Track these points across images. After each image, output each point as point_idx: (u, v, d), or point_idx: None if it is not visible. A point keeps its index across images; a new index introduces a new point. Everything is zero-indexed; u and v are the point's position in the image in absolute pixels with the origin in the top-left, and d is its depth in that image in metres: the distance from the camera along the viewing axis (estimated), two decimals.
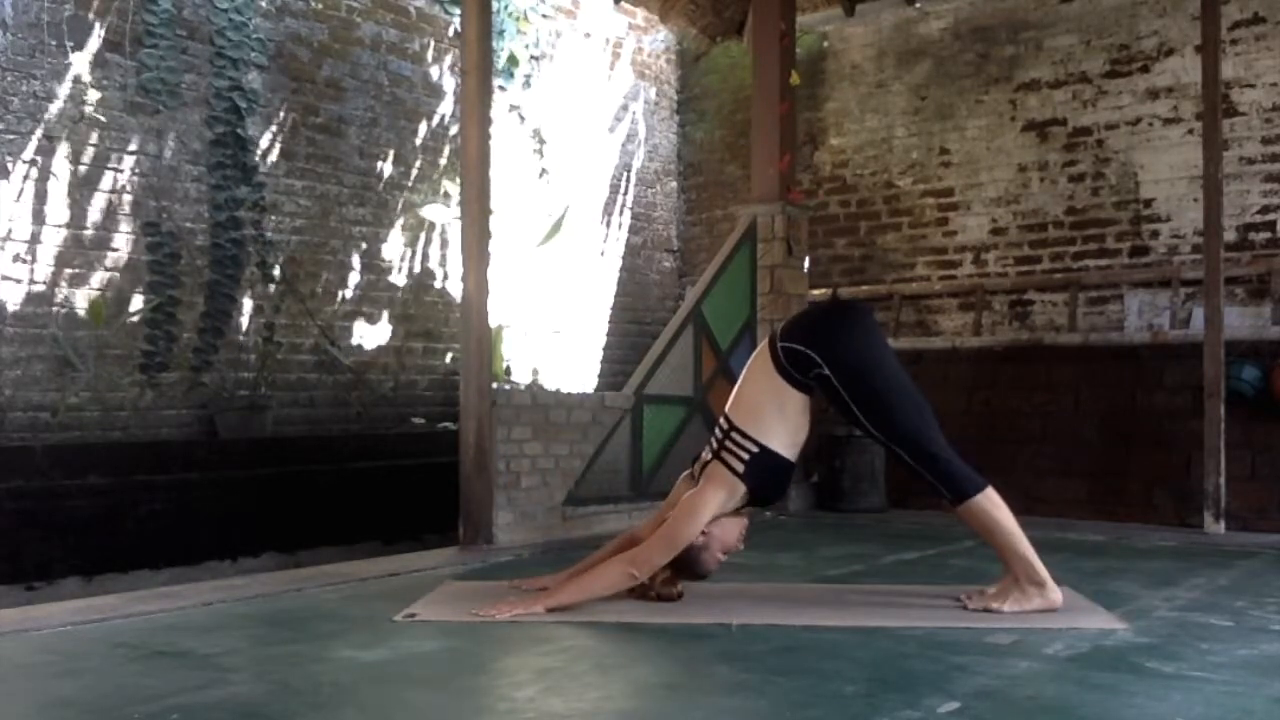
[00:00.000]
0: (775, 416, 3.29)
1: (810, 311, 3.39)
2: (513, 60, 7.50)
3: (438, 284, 7.20)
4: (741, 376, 3.48)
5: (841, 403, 3.32)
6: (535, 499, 4.92)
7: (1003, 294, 7.11)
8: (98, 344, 5.55)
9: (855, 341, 3.30)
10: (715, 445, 3.36)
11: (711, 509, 3.25)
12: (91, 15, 5.55)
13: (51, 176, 5.41)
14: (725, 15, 7.81)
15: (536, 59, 7.73)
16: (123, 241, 5.69)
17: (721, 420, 3.40)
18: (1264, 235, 6.18)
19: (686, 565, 3.30)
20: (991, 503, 3.22)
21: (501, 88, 7.36)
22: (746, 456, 3.26)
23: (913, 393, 3.33)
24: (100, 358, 5.56)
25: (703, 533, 3.27)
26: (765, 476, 3.30)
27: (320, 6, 6.55)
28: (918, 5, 7.50)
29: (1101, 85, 6.79)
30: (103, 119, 5.58)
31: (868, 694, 2.34)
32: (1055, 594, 3.21)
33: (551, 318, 7.78)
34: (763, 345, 3.44)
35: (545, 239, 7.37)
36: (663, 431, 5.63)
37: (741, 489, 3.28)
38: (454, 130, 7.14)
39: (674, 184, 8.94)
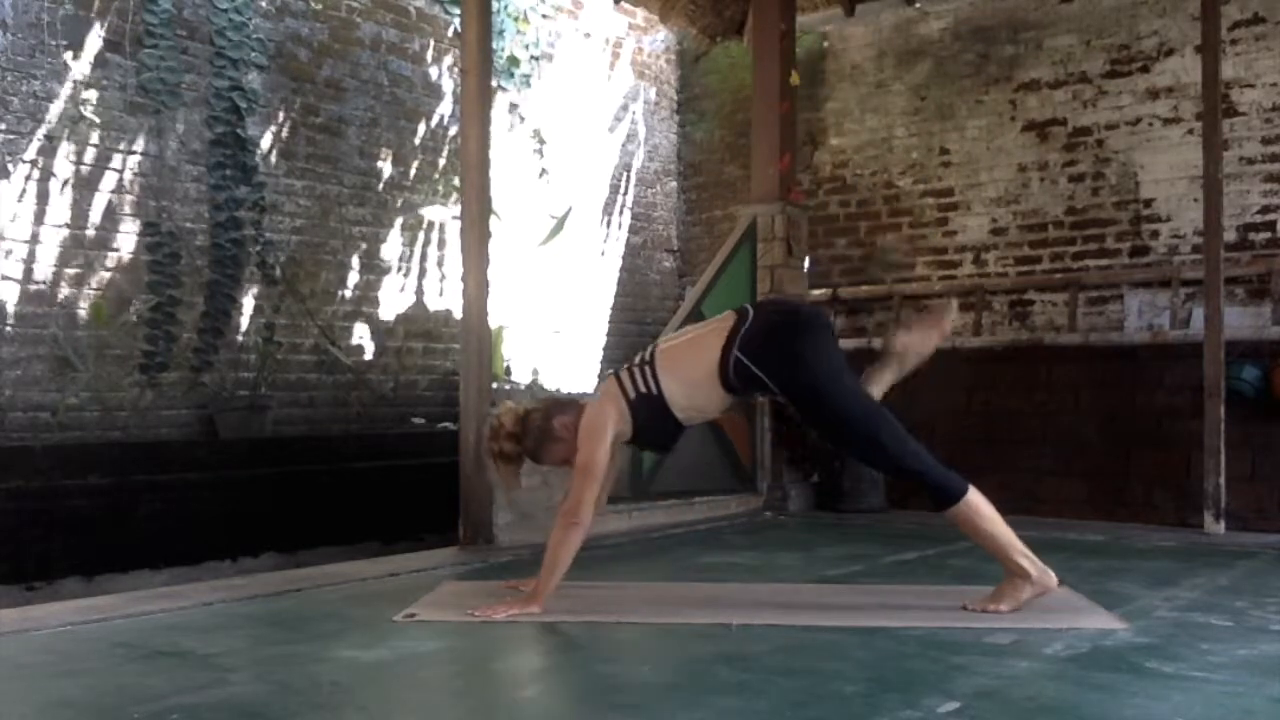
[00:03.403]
0: (692, 388, 3.28)
1: (765, 326, 3.24)
2: (513, 60, 7.50)
3: (438, 284, 7.20)
4: (697, 333, 3.42)
5: (804, 417, 3.34)
6: (535, 499, 4.91)
7: (1003, 294, 7.11)
8: (98, 344, 5.55)
9: (809, 361, 3.19)
10: (627, 365, 3.39)
11: (609, 427, 3.26)
12: (92, 15, 5.55)
13: (51, 177, 5.41)
14: (725, 15, 7.81)
15: (536, 59, 7.73)
16: (123, 241, 5.69)
17: (650, 349, 3.41)
18: (1264, 235, 6.18)
19: (533, 450, 3.35)
20: (971, 505, 3.16)
21: (501, 88, 7.36)
22: (644, 391, 3.27)
23: (873, 405, 3.24)
24: (100, 358, 5.56)
25: (564, 428, 3.30)
26: (650, 420, 3.30)
27: (320, 6, 6.54)
28: (918, 5, 7.49)
29: (1101, 85, 6.78)
30: (102, 119, 5.58)
31: (868, 694, 2.34)
32: (1047, 577, 3.18)
33: (551, 318, 7.78)
34: (723, 327, 3.29)
35: (547, 239, 7.37)
36: None
37: (629, 416, 3.29)
38: (454, 130, 7.14)
39: (674, 184, 8.94)
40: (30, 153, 5.33)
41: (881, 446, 3.18)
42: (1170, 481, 5.96)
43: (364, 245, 6.79)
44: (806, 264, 6.52)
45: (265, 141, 6.30)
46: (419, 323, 7.09)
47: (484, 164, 4.75)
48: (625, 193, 8.51)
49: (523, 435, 3.35)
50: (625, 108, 8.51)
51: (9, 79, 5.26)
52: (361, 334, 6.77)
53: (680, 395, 3.28)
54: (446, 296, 7.18)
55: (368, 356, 6.78)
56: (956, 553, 4.57)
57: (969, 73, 7.33)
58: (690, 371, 3.29)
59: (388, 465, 6.17)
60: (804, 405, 3.27)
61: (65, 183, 5.46)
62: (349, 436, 6.40)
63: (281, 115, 6.38)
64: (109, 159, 5.63)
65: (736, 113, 8.40)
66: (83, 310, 5.50)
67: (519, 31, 7.56)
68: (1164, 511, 5.93)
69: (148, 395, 5.75)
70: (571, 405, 3.43)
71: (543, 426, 3.33)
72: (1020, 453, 6.49)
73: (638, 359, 3.38)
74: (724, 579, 3.92)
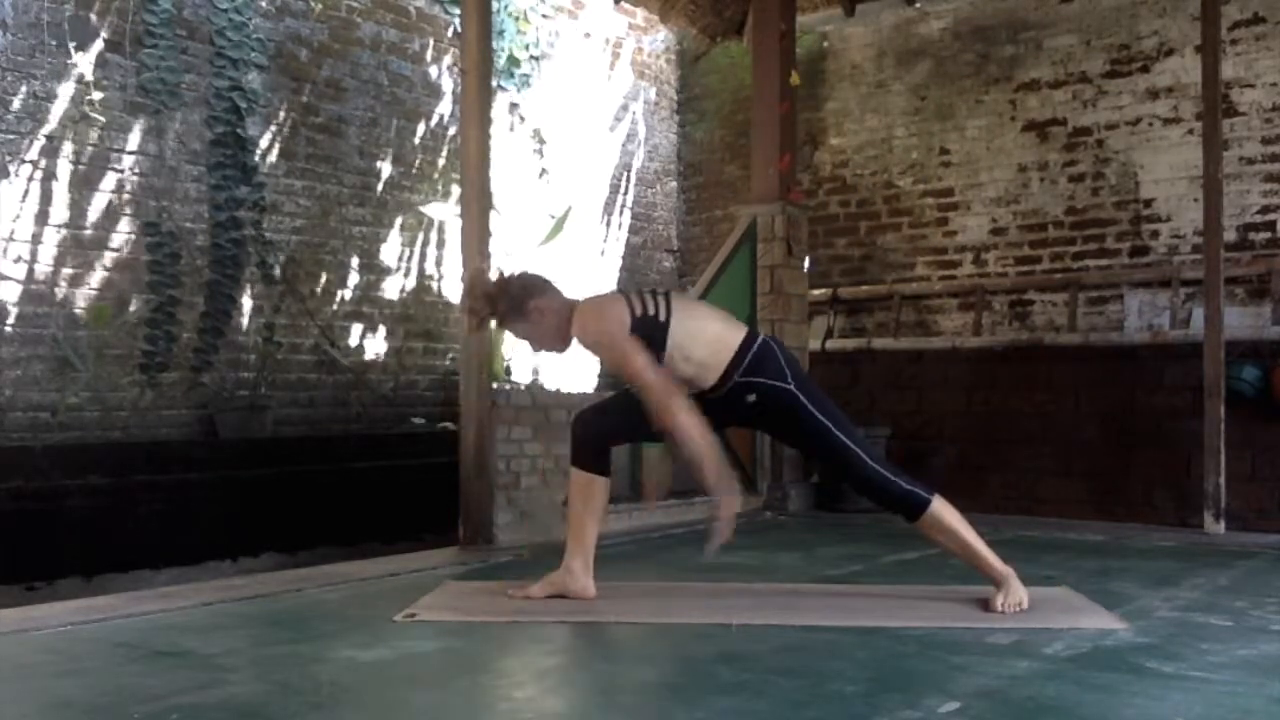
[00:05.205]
0: (699, 339, 3.24)
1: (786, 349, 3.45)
2: (513, 60, 7.50)
3: (437, 285, 7.20)
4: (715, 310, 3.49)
5: (790, 426, 3.34)
6: (535, 499, 4.92)
7: (1003, 294, 7.11)
8: (98, 344, 5.55)
9: (811, 385, 3.33)
10: (636, 289, 3.38)
11: (627, 337, 3.14)
12: (92, 15, 5.55)
13: (52, 177, 5.41)
14: (725, 15, 7.81)
15: (536, 59, 7.73)
16: (123, 241, 5.69)
17: (662, 288, 3.41)
18: (1264, 235, 6.18)
19: (504, 314, 3.33)
20: (937, 516, 3.21)
21: (501, 88, 7.36)
22: (651, 314, 3.22)
23: (854, 430, 3.31)
24: (100, 358, 5.56)
25: (539, 311, 3.29)
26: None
27: (320, 6, 6.54)
28: (918, 5, 7.50)
29: (1101, 85, 6.79)
30: (103, 119, 5.58)
31: (868, 694, 2.34)
32: (1016, 585, 3.22)
33: None
34: (739, 332, 3.36)
35: (547, 238, 7.37)
36: None
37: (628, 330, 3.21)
38: (454, 130, 7.14)
39: (674, 184, 8.94)
40: (31, 153, 5.33)
41: (862, 462, 3.24)
42: (1170, 481, 5.96)
43: (364, 245, 6.79)
44: (806, 264, 6.52)
45: (265, 141, 6.30)
46: (419, 323, 7.09)
47: (484, 163, 4.75)
48: (625, 193, 8.51)
49: (498, 296, 3.32)
50: (625, 108, 8.51)
51: (9, 79, 5.26)
52: (361, 334, 6.77)
53: (683, 336, 3.21)
54: (446, 296, 7.18)
55: (368, 356, 6.78)
56: None
57: (969, 73, 7.33)
58: (710, 327, 3.28)
59: (388, 465, 6.17)
60: (798, 411, 3.26)
61: (66, 183, 5.46)
62: (349, 436, 6.39)
63: (281, 115, 6.37)
64: (109, 159, 5.63)
65: (736, 113, 8.40)
66: (83, 311, 5.50)
67: (519, 31, 7.56)
68: (1164, 511, 5.93)
69: (148, 395, 5.75)
70: (550, 289, 3.38)
71: (519, 296, 3.30)
72: (1020, 453, 6.49)
73: (648, 289, 3.36)
74: (724, 579, 3.92)
